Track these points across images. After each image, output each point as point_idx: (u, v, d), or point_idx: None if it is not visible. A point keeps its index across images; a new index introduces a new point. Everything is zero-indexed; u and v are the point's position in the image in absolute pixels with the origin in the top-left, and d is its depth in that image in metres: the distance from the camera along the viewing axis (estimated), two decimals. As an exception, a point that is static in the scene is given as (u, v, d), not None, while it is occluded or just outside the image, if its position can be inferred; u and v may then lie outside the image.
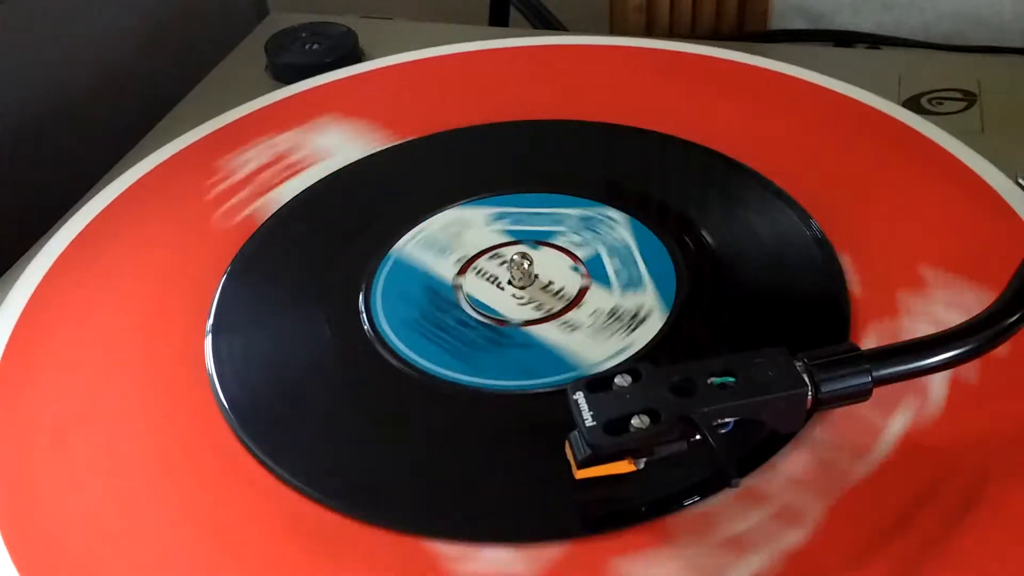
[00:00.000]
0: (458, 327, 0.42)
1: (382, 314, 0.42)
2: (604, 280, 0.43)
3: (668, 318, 0.41)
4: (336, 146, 0.52)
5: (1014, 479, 0.34)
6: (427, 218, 0.47)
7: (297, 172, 0.50)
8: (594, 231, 0.45)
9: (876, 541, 0.33)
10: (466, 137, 0.52)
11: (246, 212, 0.48)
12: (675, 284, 0.43)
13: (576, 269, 0.44)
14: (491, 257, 0.45)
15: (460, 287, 0.43)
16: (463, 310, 0.42)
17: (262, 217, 0.48)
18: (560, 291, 0.43)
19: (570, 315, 0.42)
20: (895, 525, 0.33)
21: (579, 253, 0.44)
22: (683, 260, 0.44)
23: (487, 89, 0.56)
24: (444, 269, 0.44)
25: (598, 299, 0.42)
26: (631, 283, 0.43)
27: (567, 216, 0.46)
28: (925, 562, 0.32)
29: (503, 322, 0.42)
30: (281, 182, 0.50)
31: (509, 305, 0.42)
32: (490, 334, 0.41)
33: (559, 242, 0.45)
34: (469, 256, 0.45)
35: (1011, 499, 0.34)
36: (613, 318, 0.41)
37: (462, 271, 0.44)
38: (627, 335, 0.41)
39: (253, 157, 0.52)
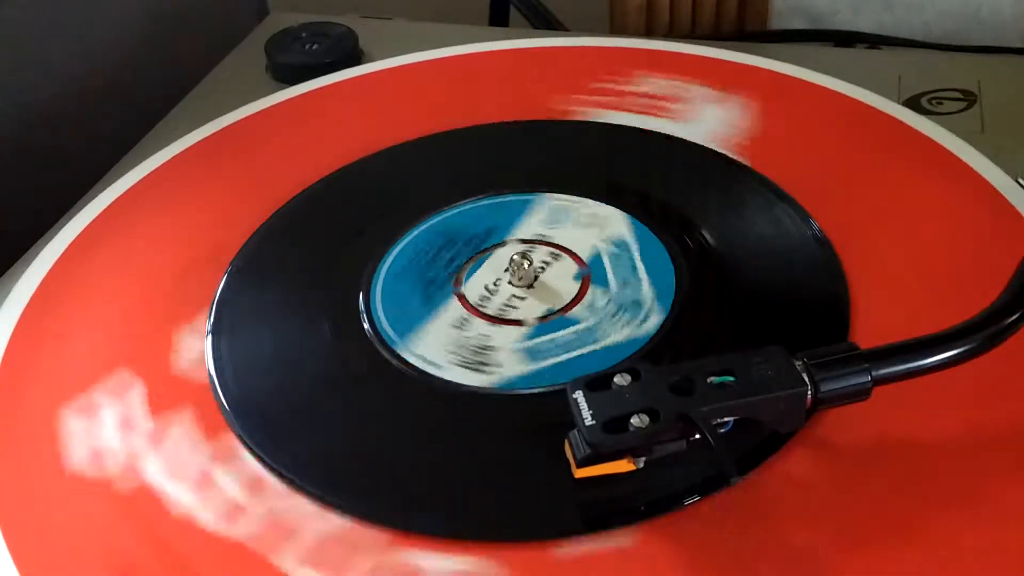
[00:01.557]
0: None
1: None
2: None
3: (668, 318, 0.41)
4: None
5: (1014, 478, 0.34)
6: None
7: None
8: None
9: (875, 539, 0.33)
10: (466, 137, 0.52)
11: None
12: (675, 284, 0.42)
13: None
14: (491, 257, 0.45)
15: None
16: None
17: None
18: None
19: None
20: (895, 524, 0.33)
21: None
22: (683, 260, 0.44)
23: (487, 89, 0.56)
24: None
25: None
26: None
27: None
28: (923, 560, 0.32)
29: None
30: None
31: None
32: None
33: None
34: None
35: (1010, 498, 0.34)
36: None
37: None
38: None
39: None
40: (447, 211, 0.47)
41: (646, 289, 0.42)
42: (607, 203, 0.47)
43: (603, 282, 0.43)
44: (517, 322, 0.42)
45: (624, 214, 0.46)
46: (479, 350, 0.41)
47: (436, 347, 0.41)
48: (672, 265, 0.43)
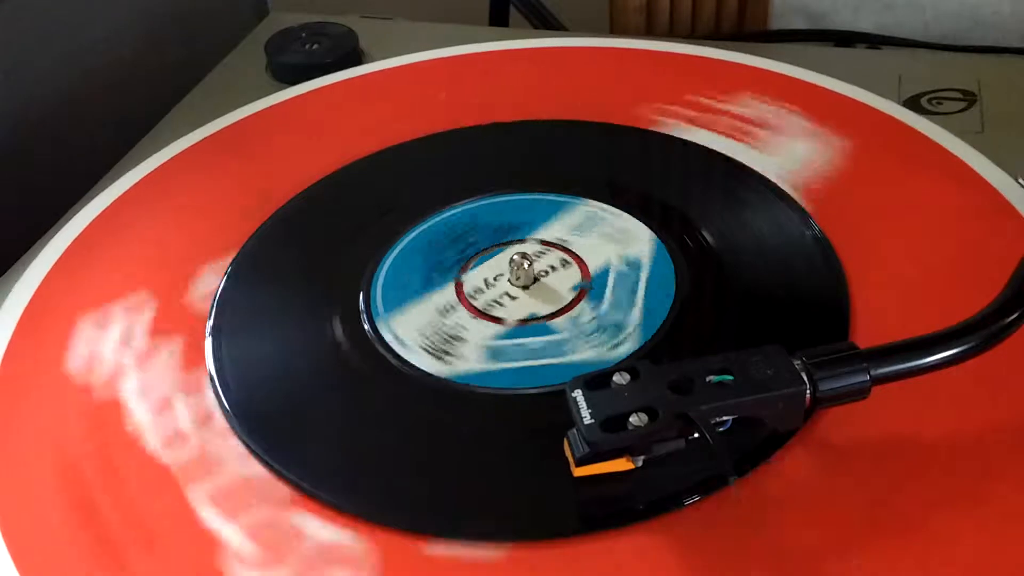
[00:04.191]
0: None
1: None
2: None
3: (668, 317, 0.41)
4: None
5: (1014, 478, 0.34)
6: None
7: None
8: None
9: (875, 539, 0.33)
10: (466, 137, 0.52)
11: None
12: (675, 284, 0.42)
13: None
14: (490, 259, 0.45)
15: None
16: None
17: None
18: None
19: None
20: (895, 524, 0.33)
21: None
22: (683, 260, 0.43)
23: (487, 89, 0.56)
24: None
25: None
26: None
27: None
28: (922, 560, 0.32)
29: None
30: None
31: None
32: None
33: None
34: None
35: (1011, 498, 0.34)
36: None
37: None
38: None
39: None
40: (448, 210, 0.47)
41: (635, 314, 0.41)
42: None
43: (603, 278, 0.43)
44: (498, 319, 0.42)
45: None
46: (449, 339, 0.41)
47: (411, 327, 0.41)
48: (672, 266, 0.43)
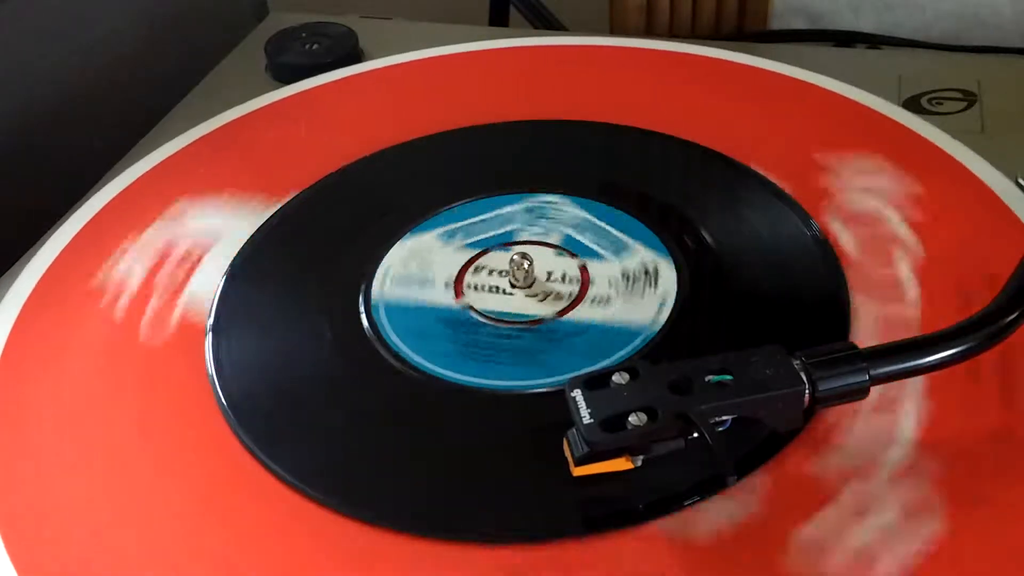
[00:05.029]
0: (496, 340, 0.41)
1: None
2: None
3: (668, 317, 0.41)
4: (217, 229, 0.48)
5: (1014, 478, 0.34)
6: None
7: (194, 267, 0.46)
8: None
9: (875, 539, 0.33)
10: (466, 137, 0.52)
11: (174, 318, 0.44)
12: (675, 284, 0.42)
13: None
14: (492, 257, 0.45)
15: (469, 305, 0.43)
16: (488, 323, 0.42)
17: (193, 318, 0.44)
18: (561, 291, 0.43)
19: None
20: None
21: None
22: (683, 260, 0.44)
23: (487, 89, 0.56)
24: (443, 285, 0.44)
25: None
26: (630, 286, 0.43)
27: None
28: (922, 560, 0.32)
29: (539, 320, 0.42)
30: (185, 280, 0.45)
31: (529, 305, 0.43)
32: (534, 335, 0.41)
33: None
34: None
35: (1010, 498, 0.34)
36: (630, 280, 0.42)
37: (460, 277, 0.44)
38: (655, 290, 0.42)
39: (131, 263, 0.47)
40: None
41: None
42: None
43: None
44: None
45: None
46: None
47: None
48: (672, 265, 0.43)
